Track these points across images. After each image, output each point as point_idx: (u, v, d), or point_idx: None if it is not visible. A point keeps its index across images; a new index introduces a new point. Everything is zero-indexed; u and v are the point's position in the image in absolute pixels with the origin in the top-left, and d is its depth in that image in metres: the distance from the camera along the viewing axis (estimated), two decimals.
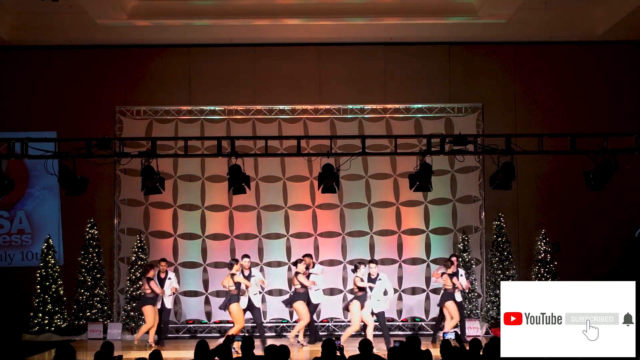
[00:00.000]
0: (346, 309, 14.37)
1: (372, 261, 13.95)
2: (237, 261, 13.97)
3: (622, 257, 16.25)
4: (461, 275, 14.55)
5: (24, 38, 16.23)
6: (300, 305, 14.11)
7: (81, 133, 15.32)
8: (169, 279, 14.57)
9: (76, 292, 15.74)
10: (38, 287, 15.62)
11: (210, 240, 16.21)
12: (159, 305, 14.36)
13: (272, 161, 16.10)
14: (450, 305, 14.24)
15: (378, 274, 13.76)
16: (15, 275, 16.49)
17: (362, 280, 13.52)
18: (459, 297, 14.45)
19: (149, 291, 14.13)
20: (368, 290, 13.50)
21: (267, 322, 15.84)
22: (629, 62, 16.86)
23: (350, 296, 14.55)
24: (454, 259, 14.66)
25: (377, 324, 13.66)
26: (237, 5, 15.32)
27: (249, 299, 14.01)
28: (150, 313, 14.13)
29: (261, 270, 15.95)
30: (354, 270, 13.72)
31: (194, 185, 16.34)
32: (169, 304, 14.61)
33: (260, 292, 14.33)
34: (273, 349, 8.36)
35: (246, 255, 14.26)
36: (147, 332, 14.26)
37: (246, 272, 13.99)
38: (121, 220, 16.26)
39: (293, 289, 14.43)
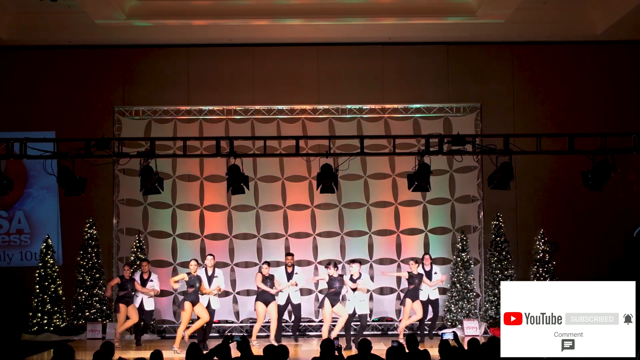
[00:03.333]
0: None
1: (353, 261, 14.24)
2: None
3: (621, 257, 16.28)
4: (435, 273, 14.81)
5: (22, 38, 16.22)
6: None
7: (80, 133, 15.36)
8: (151, 280, 14.75)
9: (75, 292, 15.75)
10: (37, 287, 15.63)
11: (209, 240, 16.21)
12: (137, 304, 14.58)
13: (271, 161, 16.11)
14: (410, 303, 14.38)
15: (360, 274, 13.99)
16: (14, 275, 16.50)
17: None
18: (423, 296, 14.61)
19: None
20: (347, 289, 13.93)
21: (266, 322, 15.84)
22: (627, 61, 16.87)
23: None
24: (427, 257, 14.82)
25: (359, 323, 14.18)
26: (235, 5, 15.32)
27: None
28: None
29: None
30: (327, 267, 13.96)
31: (192, 185, 16.34)
32: (149, 305, 14.78)
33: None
34: (272, 348, 8.36)
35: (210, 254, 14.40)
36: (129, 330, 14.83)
37: (209, 272, 14.14)
38: (120, 220, 16.26)
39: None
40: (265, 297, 14.20)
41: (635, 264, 15.85)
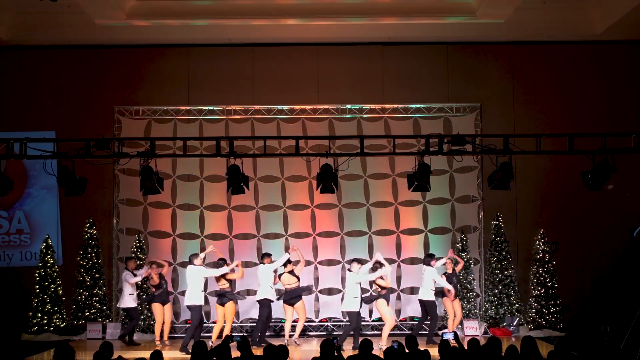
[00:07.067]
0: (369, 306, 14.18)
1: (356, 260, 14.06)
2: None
3: (620, 257, 16.26)
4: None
5: (22, 38, 16.24)
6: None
7: (80, 133, 15.36)
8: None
9: (75, 292, 15.76)
10: (37, 287, 15.64)
11: (209, 240, 16.21)
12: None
13: (271, 161, 16.11)
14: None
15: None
16: (14, 275, 16.49)
17: (383, 279, 13.65)
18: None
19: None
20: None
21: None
22: (627, 61, 16.86)
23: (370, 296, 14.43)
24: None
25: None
26: (235, 5, 15.34)
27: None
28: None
29: None
30: (373, 270, 13.73)
31: (192, 185, 16.35)
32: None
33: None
34: (272, 348, 8.37)
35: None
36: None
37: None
38: (120, 220, 16.27)
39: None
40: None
41: (635, 264, 15.84)
